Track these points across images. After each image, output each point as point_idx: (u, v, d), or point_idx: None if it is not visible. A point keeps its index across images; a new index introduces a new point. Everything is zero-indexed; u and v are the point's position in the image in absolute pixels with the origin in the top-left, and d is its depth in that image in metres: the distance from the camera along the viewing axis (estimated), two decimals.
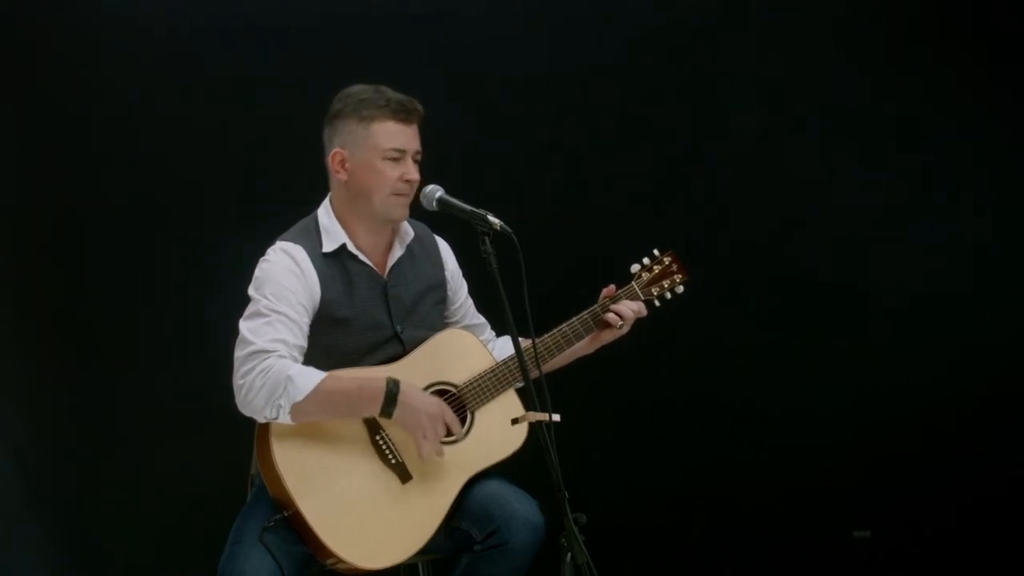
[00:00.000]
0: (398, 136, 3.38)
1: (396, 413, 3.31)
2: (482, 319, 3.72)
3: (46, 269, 4.82)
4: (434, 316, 3.57)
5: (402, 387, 3.31)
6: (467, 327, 3.67)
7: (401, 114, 3.38)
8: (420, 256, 3.55)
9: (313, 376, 3.26)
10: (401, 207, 3.42)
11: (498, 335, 3.75)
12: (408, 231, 3.52)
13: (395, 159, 3.39)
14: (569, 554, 3.10)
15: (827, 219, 5.02)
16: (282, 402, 3.23)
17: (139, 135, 4.77)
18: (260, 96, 4.79)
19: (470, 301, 3.70)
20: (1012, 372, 4.99)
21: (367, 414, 3.34)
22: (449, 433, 3.39)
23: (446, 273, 3.60)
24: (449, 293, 3.62)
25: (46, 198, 4.80)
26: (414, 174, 3.41)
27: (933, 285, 4.99)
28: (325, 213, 3.47)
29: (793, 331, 5.02)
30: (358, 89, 3.42)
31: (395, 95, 3.40)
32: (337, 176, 3.44)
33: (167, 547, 4.81)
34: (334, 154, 3.43)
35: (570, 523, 3.10)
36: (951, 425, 4.98)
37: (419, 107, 3.42)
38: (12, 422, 4.79)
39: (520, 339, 3.25)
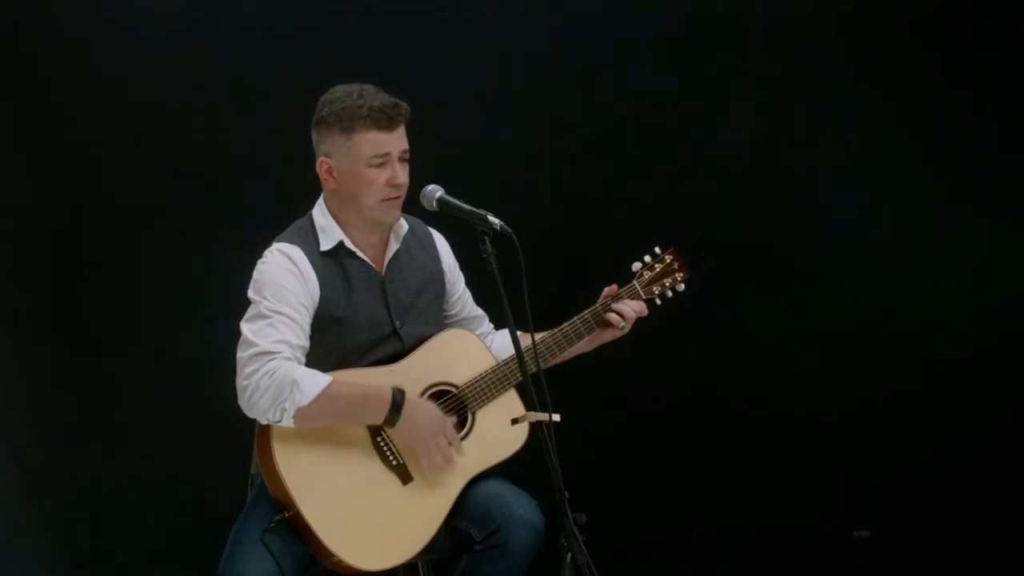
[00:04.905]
0: (381, 144, 3.36)
1: (399, 424, 3.31)
2: (480, 311, 3.72)
3: (46, 269, 4.82)
4: (433, 310, 3.57)
5: (407, 399, 3.31)
6: (466, 320, 3.68)
7: (383, 122, 3.35)
8: (416, 250, 3.55)
9: (319, 381, 3.26)
10: (391, 211, 3.42)
11: (497, 328, 3.75)
12: (403, 225, 3.52)
13: (380, 164, 3.37)
14: (569, 554, 3.10)
15: (827, 219, 5.02)
16: (287, 406, 3.23)
17: (139, 135, 4.78)
18: (260, 95, 4.79)
19: (468, 293, 3.70)
20: (1012, 372, 4.98)
21: (370, 422, 3.34)
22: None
23: (443, 266, 3.60)
24: (447, 286, 3.61)
25: (46, 198, 4.80)
26: (401, 176, 3.39)
27: (934, 285, 4.99)
28: (320, 212, 3.46)
29: (794, 331, 5.02)
30: (340, 94, 3.39)
31: (377, 100, 3.35)
32: (326, 184, 3.44)
33: (167, 547, 4.81)
34: (320, 163, 3.42)
35: (570, 523, 3.10)
36: (951, 425, 4.98)
37: (403, 109, 3.38)
38: (12, 422, 4.79)
39: (520, 336, 3.26)
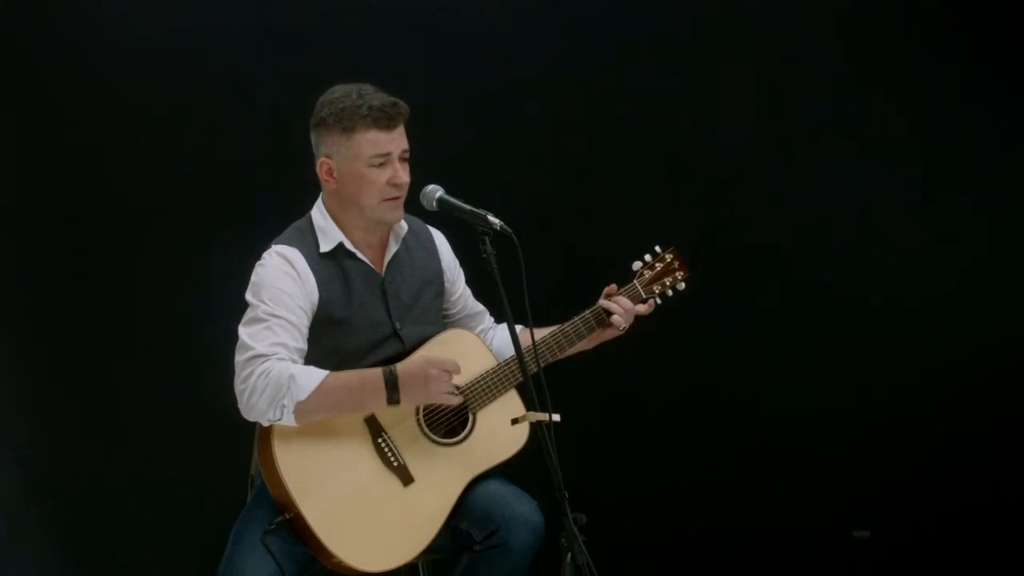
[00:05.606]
0: (382, 143, 3.35)
1: (403, 396, 3.31)
2: (481, 307, 3.72)
3: (46, 269, 4.82)
4: (433, 310, 3.57)
5: (398, 370, 3.31)
6: (468, 316, 3.68)
7: (383, 121, 3.34)
8: (416, 250, 3.55)
9: (315, 374, 3.26)
10: (393, 211, 3.41)
11: (497, 323, 3.75)
12: (402, 225, 3.51)
13: (381, 164, 3.37)
14: (569, 554, 3.10)
15: (827, 219, 5.02)
16: (286, 402, 3.22)
17: (139, 135, 4.78)
18: (260, 96, 4.79)
19: (468, 290, 3.70)
20: (1012, 372, 4.98)
21: (372, 406, 3.34)
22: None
23: (442, 265, 3.60)
24: (447, 284, 3.61)
25: (46, 198, 4.80)
26: (402, 176, 3.38)
27: (933, 285, 4.99)
28: (319, 213, 3.46)
29: (794, 331, 5.02)
30: (339, 94, 3.38)
31: (376, 100, 3.35)
32: (327, 185, 3.43)
33: (167, 547, 4.81)
34: (321, 163, 3.42)
35: (570, 523, 3.10)
36: (951, 425, 4.98)
37: (402, 108, 3.38)
38: (12, 422, 4.79)
39: (520, 334, 3.26)
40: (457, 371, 3.36)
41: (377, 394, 3.31)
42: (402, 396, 3.31)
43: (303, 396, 3.23)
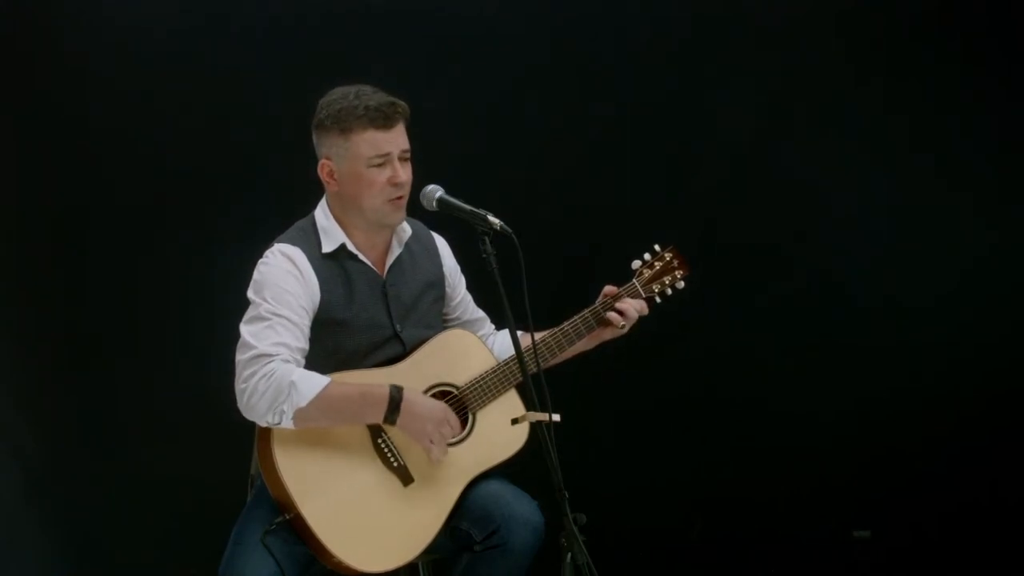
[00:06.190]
0: (380, 143, 3.35)
1: (399, 420, 3.31)
2: (482, 313, 3.72)
3: (46, 269, 4.82)
4: (433, 314, 3.56)
5: (405, 394, 3.31)
6: (467, 322, 3.68)
7: (379, 121, 3.34)
8: (418, 254, 3.55)
9: (316, 382, 3.25)
10: (394, 213, 3.41)
11: (498, 328, 3.75)
12: (406, 229, 3.51)
13: (380, 165, 3.36)
14: (569, 554, 3.10)
15: (827, 219, 5.02)
16: (285, 408, 3.22)
17: (139, 135, 4.78)
18: (260, 96, 4.79)
19: (469, 296, 3.70)
20: (1012, 372, 4.98)
21: (370, 421, 3.34)
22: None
23: (444, 270, 3.60)
24: (448, 290, 3.61)
25: (46, 198, 4.81)
26: (402, 175, 3.38)
27: (934, 285, 4.99)
28: (323, 214, 3.46)
29: (793, 331, 5.02)
30: (338, 95, 3.38)
31: (374, 100, 3.34)
32: (328, 186, 3.43)
33: (167, 547, 4.81)
34: (321, 165, 3.41)
35: (570, 523, 3.10)
36: (951, 425, 4.98)
37: (400, 107, 3.37)
38: (12, 422, 4.79)
39: (520, 336, 3.26)
40: (459, 437, 3.39)
41: (376, 410, 3.31)
42: (399, 420, 3.31)
43: (303, 403, 3.23)
